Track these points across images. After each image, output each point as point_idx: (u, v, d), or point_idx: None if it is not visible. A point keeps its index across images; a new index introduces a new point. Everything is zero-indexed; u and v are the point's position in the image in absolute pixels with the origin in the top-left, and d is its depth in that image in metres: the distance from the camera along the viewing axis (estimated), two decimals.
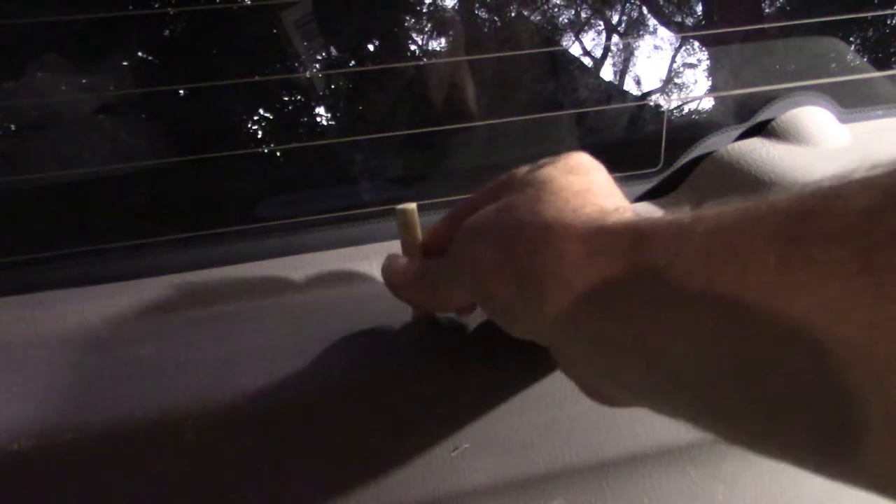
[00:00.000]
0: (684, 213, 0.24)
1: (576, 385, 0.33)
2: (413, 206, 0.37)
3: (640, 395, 0.28)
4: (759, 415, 0.22)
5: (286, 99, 0.48)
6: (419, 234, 0.38)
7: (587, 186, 0.31)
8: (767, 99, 0.54)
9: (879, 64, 0.61)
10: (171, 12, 0.45)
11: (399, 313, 0.40)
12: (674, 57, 0.59)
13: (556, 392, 0.38)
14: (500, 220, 0.31)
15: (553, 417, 0.39)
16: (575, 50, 0.55)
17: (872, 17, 0.60)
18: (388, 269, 0.37)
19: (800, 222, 0.20)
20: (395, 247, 0.40)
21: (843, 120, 0.55)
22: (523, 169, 0.34)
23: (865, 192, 0.19)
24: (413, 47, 0.50)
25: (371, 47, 0.49)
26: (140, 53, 0.45)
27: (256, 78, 0.45)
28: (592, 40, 0.56)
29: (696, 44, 0.59)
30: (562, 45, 0.53)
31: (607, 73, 0.57)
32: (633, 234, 0.26)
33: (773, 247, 0.20)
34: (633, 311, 0.25)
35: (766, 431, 0.22)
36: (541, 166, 0.33)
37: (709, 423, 0.25)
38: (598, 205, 0.29)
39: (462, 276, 0.33)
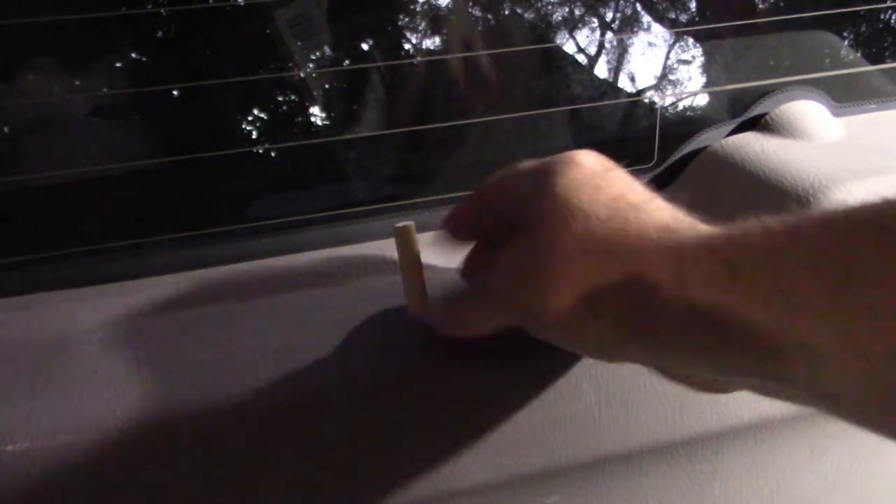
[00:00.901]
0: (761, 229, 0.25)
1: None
2: (411, 224, 0.37)
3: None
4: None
5: (279, 98, 0.48)
6: (418, 252, 0.38)
7: (620, 192, 0.30)
8: (761, 94, 0.54)
9: (873, 58, 0.61)
10: (164, 13, 0.44)
11: (394, 311, 0.40)
12: (668, 53, 0.59)
13: (553, 389, 0.38)
14: (532, 255, 0.30)
15: (549, 414, 0.39)
16: (569, 47, 0.55)
17: (865, 11, 0.60)
18: (447, 323, 0.36)
19: (787, 250, 0.22)
20: (389, 245, 0.40)
21: (836, 114, 0.55)
22: (526, 167, 0.33)
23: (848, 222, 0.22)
24: (407, 46, 0.49)
25: (364, 46, 0.49)
26: (132, 54, 0.45)
27: (249, 77, 0.45)
28: (586, 37, 0.56)
29: (690, 40, 0.59)
30: (555, 43, 0.53)
31: (601, 70, 0.57)
32: (725, 253, 0.25)
33: (764, 272, 0.23)
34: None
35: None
36: (553, 183, 0.31)
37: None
38: (638, 218, 0.28)
39: (525, 314, 0.32)
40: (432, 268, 0.39)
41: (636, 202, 0.29)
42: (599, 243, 0.28)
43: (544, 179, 0.31)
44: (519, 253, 0.31)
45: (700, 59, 0.59)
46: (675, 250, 0.26)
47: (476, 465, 0.38)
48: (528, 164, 0.34)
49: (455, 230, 0.38)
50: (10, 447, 0.32)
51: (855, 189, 0.43)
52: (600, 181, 0.30)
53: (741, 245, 0.24)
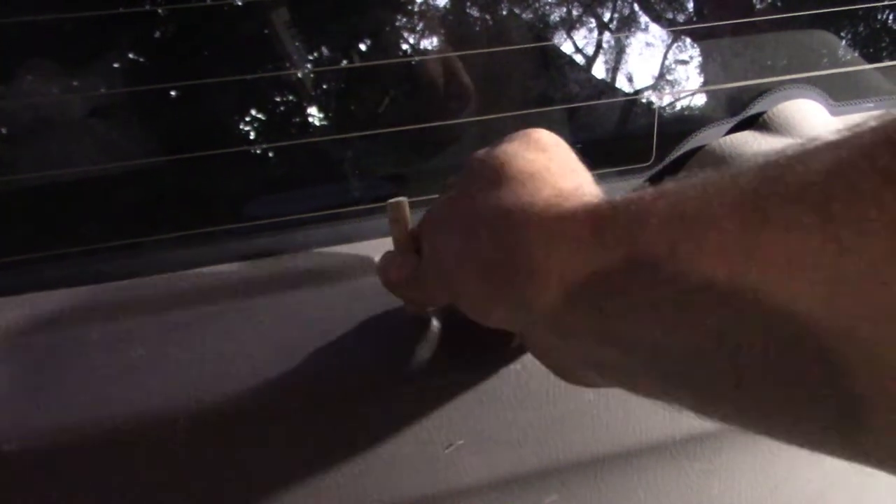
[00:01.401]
0: (646, 191, 0.24)
1: (545, 367, 0.32)
2: (404, 200, 0.37)
3: (613, 379, 0.28)
4: (729, 388, 0.21)
5: (277, 98, 0.48)
6: (411, 228, 0.38)
7: (546, 165, 0.29)
8: (758, 93, 0.54)
9: (870, 57, 0.61)
10: (161, 12, 0.44)
11: (391, 310, 0.40)
12: (665, 52, 0.59)
13: (551, 388, 0.38)
14: (456, 211, 0.30)
15: (548, 413, 0.39)
16: (567, 47, 0.55)
17: (863, 10, 0.60)
18: (383, 269, 0.37)
19: (760, 187, 0.19)
20: (387, 243, 0.40)
21: (833, 112, 0.55)
22: (482, 151, 0.33)
23: (827, 152, 0.18)
24: (404, 46, 0.49)
25: (361, 45, 0.49)
26: (130, 54, 0.45)
27: (247, 77, 0.45)
28: (584, 38, 0.56)
29: (688, 39, 0.59)
30: (553, 42, 0.53)
31: (600, 69, 0.57)
32: (594, 217, 0.25)
33: (734, 214, 0.19)
34: (601, 298, 0.24)
35: (741, 404, 0.21)
36: (496, 146, 0.32)
37: (684, 401, 0.24)
38: (556, 187, 0.28)
39: (434, 272, 0.32)
40: None
41: (557, 171, 0.30)
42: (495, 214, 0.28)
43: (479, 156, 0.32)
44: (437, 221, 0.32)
45: (697, 59, 0.59)
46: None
47: (475, 464, 0.38)
48: (481, 151, 0.33)
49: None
50: (7, 446, 0.32)
51: None
52: (530, 177, 0.30)
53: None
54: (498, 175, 0.29)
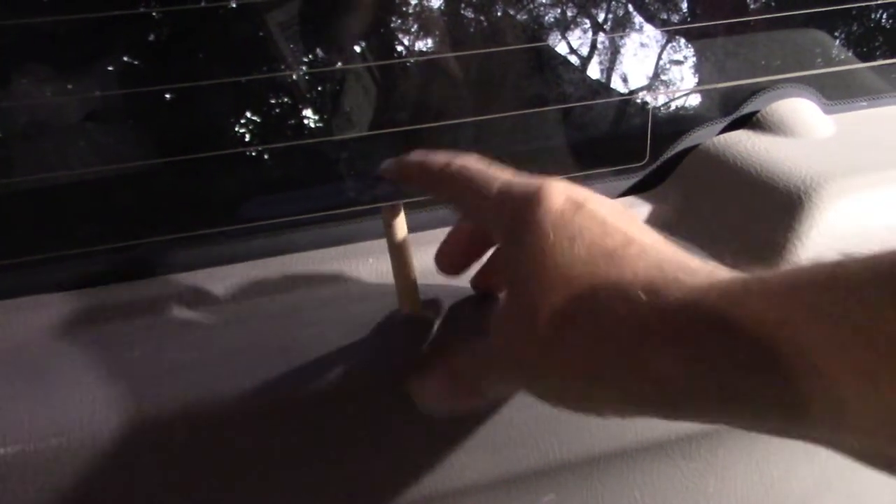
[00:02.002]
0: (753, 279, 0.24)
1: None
2: (399, 204, 0.37)
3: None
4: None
5: (272, 100, 0.48)
6: (406, 233, 0.38)
7: (621, 242, 0.28)
8: (752, 92, 0.55)
9: (864, 56, 0.61)
10: (155, 14, 0.44)
11: (388, 312, 0.40)
12: (659, 53, 0.59)
13: None
14: (534, 311, 0.28)
15: (544, 413, 0.39)
16: (561, 48, 0.55)
17: (856, 10, 0.61)
18: (423, 393, 0.35)
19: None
20: (381, 245, 0.40)
21: (827, 111, 0.55)
22: (516, 189, 0.31)
23: None
24: (399, 47, 0.50)
25: (355, 47, 0.49)
26: (124, 57, 0.45)
27: (243, 79, 0.45)
28: (578, 38, 0.56)
29: (682, 39, 0.59)
30: (547, 42, 0.54)
31: (594, 69, 0.57)
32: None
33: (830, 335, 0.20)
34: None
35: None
36: (523, 223, 0.29)
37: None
38: (655, 271, 0.26)
39: (514, 374, 0.31)
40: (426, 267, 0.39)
41: (612, 249, 0.28)
42: (580, 310, 0.27)
43: (515, 231, 0.30)
44: (506, 317, 0.30)
45: (691, 59, 0.60)
46: (670, 316, 0.24)
47: (472, 463, 0.38)
48: (493, 191, 0.32)
49: (449, 266, 0.39)
50: (3, 450, 0.32)
51: (845, 186, 0.43)
52: (573, 229, 0.28)
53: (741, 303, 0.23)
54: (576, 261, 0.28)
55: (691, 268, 0.26)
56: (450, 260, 0.39)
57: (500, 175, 0.32)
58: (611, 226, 0.29)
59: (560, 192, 0.30)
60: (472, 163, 0.34)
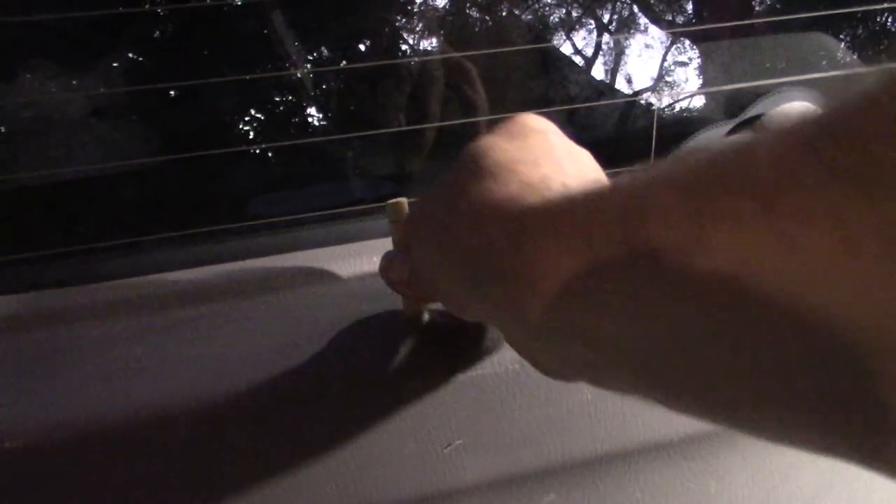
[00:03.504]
0: (604, 185, 0.23)
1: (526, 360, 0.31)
2: (403, 200, 0.37)
3: (585, 375, 0.27)
4: (701, 383, 0.21)
5: (277, 99, 0.48)
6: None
7: (520, 156, 0.29)
8: (757, 95, 0.55)
9: (868, 60, 0.61)
10: (161, 12, 0.45)
11: (391, 310, 0.40)
12: (664, 55, 0.59)
13: (549, 388, 0.39)
14: (437, 203, 0.30)
15: (546, 413, 0.39)
16: (567, 49, 0.55)
17: (861, 13, 0.61)
18: (383, 268, 0.37)
19: (709, 176, 0.19)
20: (387, 243, 0.40)
21: None
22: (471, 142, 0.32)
23: (776, 143, 0.18)
24: (404, 46, 0.50)
25: (361, 46, 0.49)
26: (130, 54, 0.45)
27: (246, 77, 0.45)
28: (583, 39, 0.56)
29: (687, 41, 0.59)
30: (553, 43, 0.54)
31: (599, 70, 0.57)
32: (553, 212, 0.24)
33: (683, 202, 0.19)
34: (563, 294, 0.24)
35: (711, 398, 0.21)
36: (482, 136, 0.31)
37: (659, 397, 0.23)
38: (524, 179, 0.27)
39: (418, 267, 0.32)
40: None
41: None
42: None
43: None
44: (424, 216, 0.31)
45: (696, 61, 0.60)
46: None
47: (473, 463, 0.38)
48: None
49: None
50: (7, 444, 0.32)
51: None
52: (504, 170, 0.29)
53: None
54: (476, 166, 0.29)
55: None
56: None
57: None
58: (555, 151, 0.30)
59: (525, 116, 0.31)
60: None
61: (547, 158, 0.29)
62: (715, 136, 0.53)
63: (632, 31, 0.58)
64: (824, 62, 0.59)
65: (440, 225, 0.29)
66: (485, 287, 0.27)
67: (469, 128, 0.50)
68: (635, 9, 0.58)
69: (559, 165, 0.29)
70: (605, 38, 0.57)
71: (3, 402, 0.34)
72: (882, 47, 0.62)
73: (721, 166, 0.19)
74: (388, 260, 0.37)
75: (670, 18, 0.59)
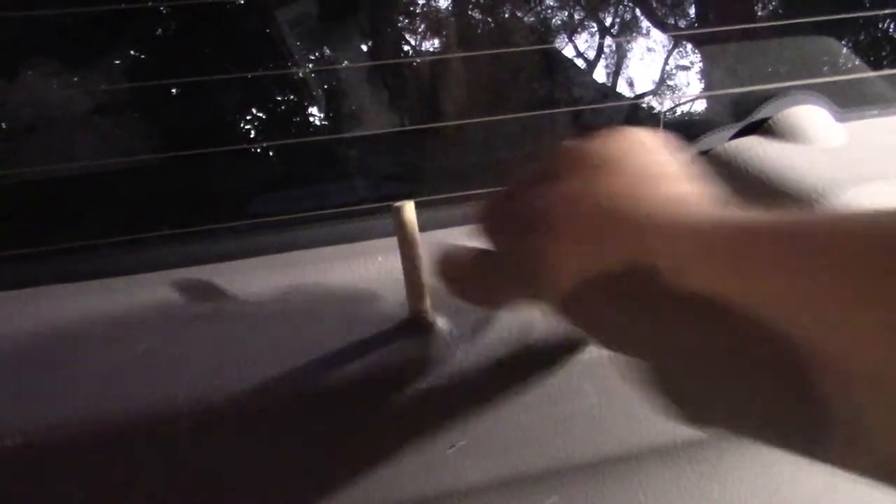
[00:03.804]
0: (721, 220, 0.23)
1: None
2: (410, 203, 0.37)
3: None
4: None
5: (279, 97, 0.48)
6: (416, 232, 0.37)
7: (664, 170, 0.28)
8: (761, 99, 0.54)
9: (872, 65, 0.61)
10: (163, 9, 0.44)
11: (395, 310, 0.39)
12: (667, 58, 0.59)
13: (553, 390, 0.38)
14: (577, 209, 0.27)
15: (549, 415, 0.38)
16: (569, 52, 0.55)
17: (864, 18, 0.61)
18: (445, 261, 0.34)
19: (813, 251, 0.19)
20: (390, 243, 0.40)
21: (839, 119, 0.55)
22: (576, 143, 0.30)
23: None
24: (406, 47, 0.49)
25: (363, 46, 0.49)
26: (132, 51, 0.45)
27: (249, 75, 0.45)
28: (586, 42, 0.56)
29: (689, 45, 0.59)
30: (556, 47, 0.54)
31: (603, 74, 0.57)
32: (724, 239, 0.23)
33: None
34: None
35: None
36: (601, 142, 0.30)
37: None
38: (670, 192, 0.26)
39: (526, 273, 0.29)
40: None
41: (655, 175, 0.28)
42: (605, 221, 0.26)
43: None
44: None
45: (699, 64, 0.60)
46: (681, 230, 0.24)
47: (476, 465, 0.38)
48: (577, 144, 0.31)
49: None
50: (8, 442, 0.31)
51: (856, 194, 0.43)
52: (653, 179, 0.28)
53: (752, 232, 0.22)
54: (620, 175, 0.27)
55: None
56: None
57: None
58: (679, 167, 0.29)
59: (637, 131, 0.30)
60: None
61: (682, 174, 0.29)
62: (720, 139, 0.53)
63: (634, 34, 0.58)
64: (827, 67, 0.59)
65: (582, 232, 0.27)
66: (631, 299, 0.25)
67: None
68: (637, 12, 0.58)
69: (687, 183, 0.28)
70: (608, 41, 0.57)
71: (3, 401, 0.33)
72: (885, 53, 0.62)
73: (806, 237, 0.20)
74: (450, 253, 0.34)
75: (672, 22, 0.59)
